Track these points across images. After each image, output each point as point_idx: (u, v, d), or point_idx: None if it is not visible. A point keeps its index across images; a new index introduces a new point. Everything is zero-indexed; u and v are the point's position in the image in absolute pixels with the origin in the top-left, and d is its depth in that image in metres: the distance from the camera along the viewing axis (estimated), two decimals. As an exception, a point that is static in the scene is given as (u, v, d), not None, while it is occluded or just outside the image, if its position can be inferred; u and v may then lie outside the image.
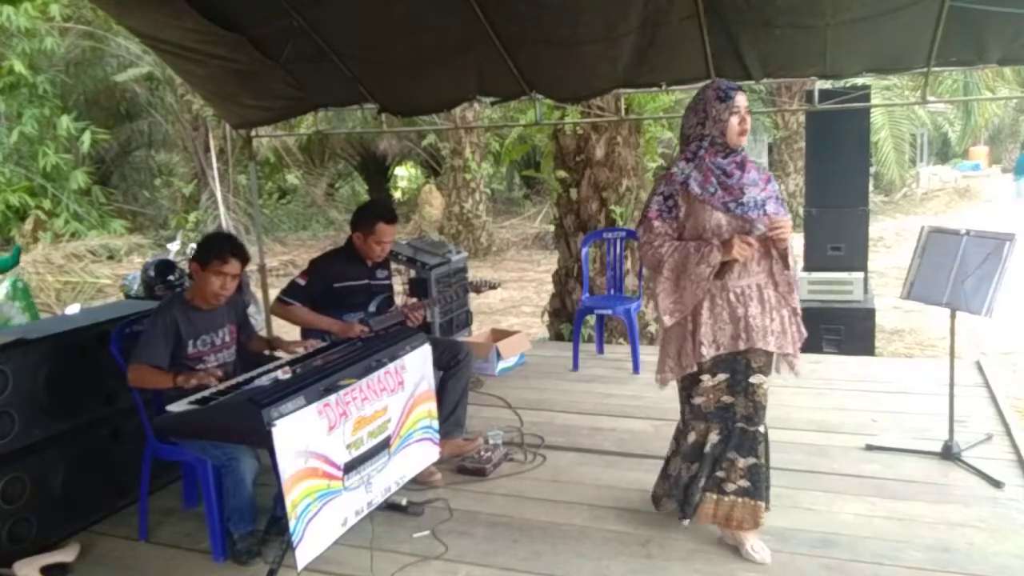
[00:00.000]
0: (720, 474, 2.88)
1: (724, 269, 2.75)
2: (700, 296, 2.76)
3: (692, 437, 2.94)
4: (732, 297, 2.78)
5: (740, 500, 2.87)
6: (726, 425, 2.88)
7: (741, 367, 2.83)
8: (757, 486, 2.87)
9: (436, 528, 3.19)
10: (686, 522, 2.96)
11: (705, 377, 2.85)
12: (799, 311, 2.90)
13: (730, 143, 2.78)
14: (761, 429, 2.88)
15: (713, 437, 2.89)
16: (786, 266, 2.82)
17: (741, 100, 2.77)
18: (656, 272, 2.83)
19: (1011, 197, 18.62)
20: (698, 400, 2.89)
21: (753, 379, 2.83)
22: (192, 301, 3.20)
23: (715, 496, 2.89)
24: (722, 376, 2.84)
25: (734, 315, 2.78)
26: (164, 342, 3.06)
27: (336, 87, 5.12)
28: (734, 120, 2.75)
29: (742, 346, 2.78)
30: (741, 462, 2.86)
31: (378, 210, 3.80)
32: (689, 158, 2.82)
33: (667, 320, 2.82)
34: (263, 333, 4.76)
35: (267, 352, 3.51)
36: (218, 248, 3.14)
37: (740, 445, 2.86)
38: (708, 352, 2.79)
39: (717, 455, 2.89)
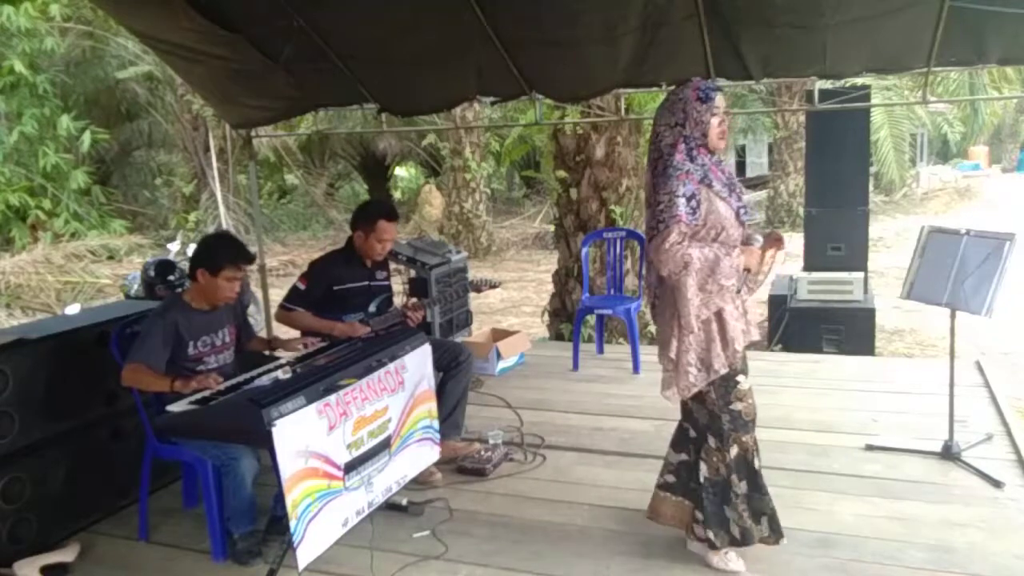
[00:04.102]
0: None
1: None
2: (720, 304, 2.67)
3: (735, 451, 2.76)
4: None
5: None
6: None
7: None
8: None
9: (436, 528, 3.19)
10: (784, 541, 2.83)
11: (741, 378, 2.76)
12: None
13: (710, 145, 2.69)
14: None
15: (753, 448, 2.80)
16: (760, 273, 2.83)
17: (721, 101, 2.70)
18: (679, 273, 2.64)
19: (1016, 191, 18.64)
20: (739, 406, 2.76)
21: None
22: (191, 303, 3.20)
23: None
24: (749, 376, 2.78)
25: (740, 311, 2.75)
26: (163, 344, 3.05)
27: (336, 87, 5.11)
28: (715, 121, 2.67)
29: (748, 340, 2.77)
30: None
31: (379, 208, 3.81)
32: (687, 158, 2.67)
33: (694, 323, 2.65)
34: (263, 334, 4.76)
35: (267, 352, 3.52)
36: (232, 255, 3.15)
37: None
38: (740, 347, 2.72)
39: (759, 466, 2.82)
